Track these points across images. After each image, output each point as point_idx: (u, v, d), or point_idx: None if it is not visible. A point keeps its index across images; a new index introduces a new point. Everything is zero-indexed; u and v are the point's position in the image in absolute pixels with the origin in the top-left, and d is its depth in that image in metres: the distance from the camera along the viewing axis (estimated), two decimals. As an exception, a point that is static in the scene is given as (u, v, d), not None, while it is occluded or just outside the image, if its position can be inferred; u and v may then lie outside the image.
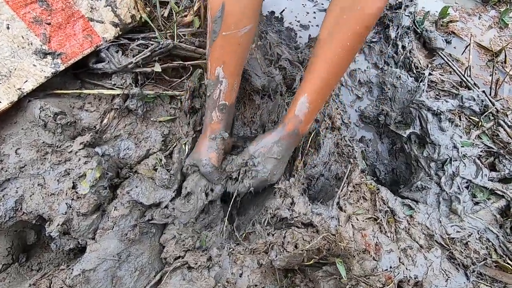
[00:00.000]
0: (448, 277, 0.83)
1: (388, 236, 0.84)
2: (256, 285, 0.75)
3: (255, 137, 0.85)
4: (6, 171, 0.73)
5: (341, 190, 0.88)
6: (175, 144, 0.94)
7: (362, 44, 0.69)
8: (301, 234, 0.76)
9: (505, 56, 1.37)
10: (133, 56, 0.97)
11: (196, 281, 0.72)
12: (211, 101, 0.80)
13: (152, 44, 1.01)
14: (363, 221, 0.83)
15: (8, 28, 0.79)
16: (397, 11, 1.38)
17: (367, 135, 1.29)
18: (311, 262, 0.77)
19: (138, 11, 1.06)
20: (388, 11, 1.40)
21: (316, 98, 0.75)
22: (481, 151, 1.06)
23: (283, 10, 1.43)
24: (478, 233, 0.91)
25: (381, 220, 0.86)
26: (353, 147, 1.07)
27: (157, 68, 0.96)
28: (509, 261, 0.85)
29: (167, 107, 0.96)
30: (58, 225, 0.68)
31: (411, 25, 1.37)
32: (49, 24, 0.87)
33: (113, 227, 0.73)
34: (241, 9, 0.67)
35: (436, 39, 1.34)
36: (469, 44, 1.37)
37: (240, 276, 0.75)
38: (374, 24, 0.67)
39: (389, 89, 1.28)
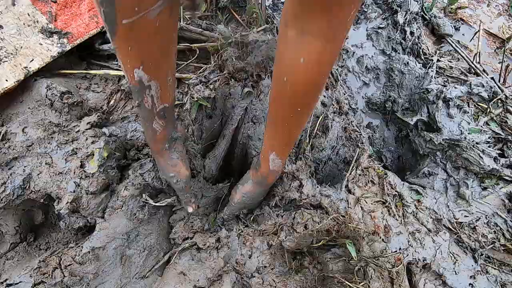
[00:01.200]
0: (456, 260, 0.83)
1: (396, 219, 0.83)
2: (265, 266, 0.75)
3: (236, 188, 0.80)
4: (14, 149, 0.72)
5: (350, 173, 0.87)
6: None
7: (316, 101, 0.59)
8: (311, 215, 0.75)
9: (514, 43, 1.36)
10: (140, 37, 0.95)
11: (205, 262, 0.72)
12: (145, 111, 0.60)
13: (158, 26, 0.99)
14: (372, 204, 0.83)
15: (14, 4, 0.78)
16: (405, -4, 1.35)
17: (374, 122, 1.28)
18: (320, 244, 0.77)
19: (144, -8, 1.04)
20: (397, -3, 1.38)
21: (286, 152, 0.71)
22: (489, 138, 1.05)
23: (290, -5, 1.40)
24: (486, 218, 0.91)
25: (389, 203, 0.86)
26: (360, 132, 1.06)
27: (164, 49, 0.94)
28: (517, 245, 0.85)
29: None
30: (67, 202, 0.68)
31: (419, 11, 1.35)
32: (55, 2, 0.86)
33: (122, 206, 0.73)
34: None
35: (445, 25, 1.32)
36: (478, 31, 1.35)
37: (250, 257, 0.75)
38: (324, 81, 0.55)
39: (396, 76, 1.27)
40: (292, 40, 0.47)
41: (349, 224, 0.75)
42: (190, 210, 0.75)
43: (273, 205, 0.81)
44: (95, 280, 0.65)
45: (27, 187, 0.70)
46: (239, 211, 0.82)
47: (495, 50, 1.36)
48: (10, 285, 0.60)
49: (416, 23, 1.33)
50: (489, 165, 0.97)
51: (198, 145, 0.88)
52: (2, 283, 0.61)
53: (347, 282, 0.72)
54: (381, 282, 0.72)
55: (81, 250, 0.65)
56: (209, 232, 0.78)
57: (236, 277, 0.70)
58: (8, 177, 0.70)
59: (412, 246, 0.81)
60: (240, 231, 0.77)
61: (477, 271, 0.83)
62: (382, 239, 0.77)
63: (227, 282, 0.67)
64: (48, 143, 0.75)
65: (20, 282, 0.61)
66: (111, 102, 0.88)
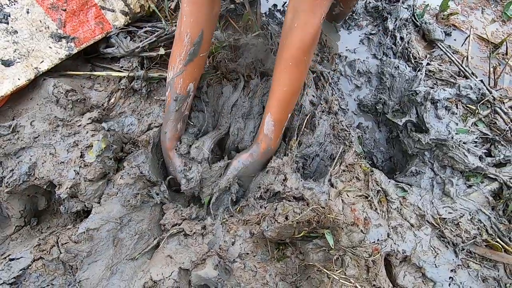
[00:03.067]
0: (437, 253, 0.84)
1: (378, 213, 0.86)
2: (247, 253, 0.79)
3: (235, 156, 0.92)
4: (22, 140, 0.80)
5: (333, 168, 0.91)
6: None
7: (304, 64, 0.80)
8: (292, 207, 0.79)
9: (507, 47, 1.38)
10: (140, 42, 1.04)
11: (190, 247, 0.77)
12: (178, 114, 0.87)
13: (158, 31, 1.08)
14: (353, 197, 0.86)
15: (28, 12, 0.87)
16: (395, 4, 1.41)
17: (365, 123, 1.32)
18: (301, 235, 0.81)
19: (147, 1, 1.14)
20: (387, 5, 1.43)
21: (279, 116, 0.85)
22: (476, 138, 1.07)
23: (285, 3, 1.48)
24: (469, 214, 0.92)
25: (372, 198, 0.89)
26: (349, 132, 1.10)
27: (161, 51, 1.02)
28: (499, 240, 0.86)
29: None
30: (66, 188, 0.75)
31: (409, 18, 1.40)
32: (64, 10, 0.95)
33: (117, 193, 0.79)
34: (209, 35, 0.83)
35: (435, 30, 1.36)
36: (469, 36, 1.38)
37: (233, 244, 0.79)
38: (310, 48, 0.77)
39: (387, 79, 1.31)
40: (291, 17, 0.75)
41: (328, 215, 0.79)
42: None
43: (258, 197, 0.85)
44: (88, 258, 0.71)
45: (32, 174, 0.78)
46: (233, 181, 0.88)
47: (488, 55, 1.38)
48: (12, 259, 0.67)
49: (406, 29, 1.38)
50: (473, 163, 0.99)
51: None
52: (5, 258, 0.68)
53: (325, 270, 0.75)
54: (357, 270, 0.75)
55: (77, 231, 0.71)
56: (197, 220, 0.83)
57: (219, 261, 0.74)
58: (16, 165, 0.77)
59: (392, 239, 0.83)
60: (224, 219, 0.82)
61: (458, 265, 0.84)
62: (361, 230, 0.80)
63: (210, 265, 0.72)
64: (53, 135, 0.82)
65: (21, 257, 0.68)
66: (112, 100, 0.96)
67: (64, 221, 0.84)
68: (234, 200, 0.88)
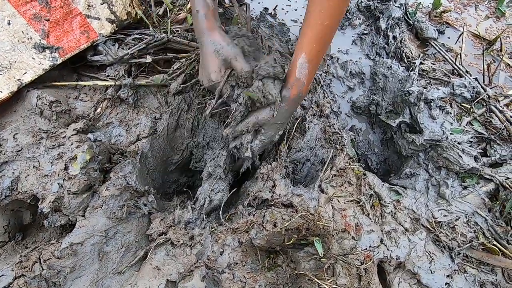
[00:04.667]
0: (432, 258, 0.82)
1: (370, 218, 0.84)
2: (236, 263, 0.77)
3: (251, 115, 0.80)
4: (5, 154, 0.78)
5: (324, 173, 0.89)
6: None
7: None
8: (280, 214, 0.77)
9: (501, 44, 1.36)
10: (129, 49, 1.03)
11: (178, 257, 0.75)
12: None
13: (147, 38, 1.06)
14: (344, 203, 0.84)
15: (9, 24, 0.86)
16: (387, 3, 1.39)
17: (359, 125, 1.30)
18: (291, 242, 0.79)
19: (134, 8, 1.12)
20: (379, 4, 1.41)
21: (315, 56, 0.72)
22: (471, 137, 1.05)
23: (276, 6, 1.47)
24: (466, 217, 0.90)
25: (363, 202, 0.87)
26: (342, 135, 1.08)
27: (148, 59, 1.01)
28: (496, 244, 0.84)
29: (157, 96, 1.01)
30: (49, 202, 0.73)
31: (401, 16, 1.38)
32: (48, 20, 0.94)
33: (102, 205, 0.78)
34: None
35: (428, 29, 1.34)
36: (462, 33, 1.36)
37: (221, 254, 0.77)
38: None
39: (380, 79, 1.29)
40: None
41: (318, 222, 0.77)
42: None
43: (247, 204, 0.84)
44: (72, 274, 0.69)
45: (14, 188, 0.76)
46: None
47: (482, 52, 1.36)
48: (-7, 277, 0.65)
49: (399, 28, 1.36)
50: (468, 164, 0.96)
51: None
52: (-14, 276, 0.66)
53: (316, 279, 0.73)
54: (348, 279, 0.72)
55: (60, 246, 0.69)
56: (182, 226, 0.81)
57: (207, 272, 0.72)
58: (-1, 179, 0.76)
59: (385, 245, 0.81)
60: (213, 229, 0.80)
61: (454, 270, 0.82)
62: (353, 237, 0.78)
63: (197, 277, 0.70)
64: (37, 148, 0.81)
65: (2, 275, 0.66)
66: (98, 110, 0.95)
67: (50, 235, 0.82)
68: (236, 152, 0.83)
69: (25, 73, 0.88)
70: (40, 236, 0.83)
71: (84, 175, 0.78)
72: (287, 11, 1.49)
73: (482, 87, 1.16)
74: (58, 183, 0.77)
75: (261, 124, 0.79)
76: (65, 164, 0.79)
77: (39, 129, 0.84)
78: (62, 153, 0.81)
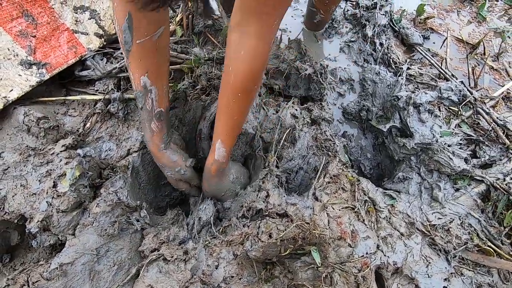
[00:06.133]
0: (429, 262, 0.82)
1: (365, 224, 0.84)
2: (232, 277, 0.76)
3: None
4: (-9, 173, 0.76)
5: (317, 181, 0.89)
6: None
7: (254, 91, 0.73)
8: (275, 224, 0.77)
9: (484, 48, 1.39)
10: (118, 63, 1.02)
11: (172, 274, 0.74)
12: (146, 113, 0.79)
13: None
14: (339, 210, 0.84)
15: (-6, 41, 0.85)
16: (372, 11, 1.42)
17: (351, 131, 1.30)
18: (287, 252, 0.78)
19: (121, 22, 1.12)
20: (365, 12, 1.44)
21: (230, 142, 0.80)
22: (461, 140, 1.07)
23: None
24: (459, 219, 0.91)
25: (358, 209, 0.87)
26: (334, 141, 1.08)
27: (137, 73, 1.00)
28: (491, 245, 0.84)
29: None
30: (37, 221, 0.71)
31: (387, 24, 1.41)
32: (34, 36, 0.93)
33: (93, 222, 0.76)
34: (148, 16, 0.66)
35: (413, 35, 1.37)
36: (446, 38, 1.39)
37: (216, 268, 0.76)
38: (260, 74, 0.71)
39: (369, 85, 1.31)
40: (236, 40, 0.65)
41: (313, 231, 0.76)
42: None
43: (241, 215, 0.83)
44: (62, 296, 0.67)
45: (1, 208, 0.74)
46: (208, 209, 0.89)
47: (466, 56, 1.39)
48: (-21, 303, 0.63)
49: (385, 35, 1.39)
50: (459, 166, 0.97)
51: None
52: (-29, 302, 0.64)
53: (313, 289, 0.72)
54: (347, 287, 0.72)
55: (49, 267, 0.67)
56: (176, 243, 0.79)
57: (202, 288, 0.71)
58: (-16, 200, 0.74)
59: (382, 250, 0.81)
60: (207, 242, 0.79)
61: (451, 273, 0.82)
62: (349, 244, 0.78)
63: (192, 293, 0.68)
64: (24, 166, 0.79)
65: (-12, 300, 0.63)
66: (87, 125, 0.93)
67: (39, 255, 0.80)
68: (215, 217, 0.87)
69: (11, 90, 0.87)
70: (28, 257, 0.80)
71: (74, 192, 0.77)
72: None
73: (468, 90, 1.18)
74: (46, 201, 0.75)
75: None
76: (54, 182, 0.77)
77: (27, 146, 0.83)
78: (51, 170, 0.79)
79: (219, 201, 0.93)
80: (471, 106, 1.15)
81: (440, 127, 1.11)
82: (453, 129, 1.10)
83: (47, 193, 0.76)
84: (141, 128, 0.94)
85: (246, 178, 0.96)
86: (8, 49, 0.87)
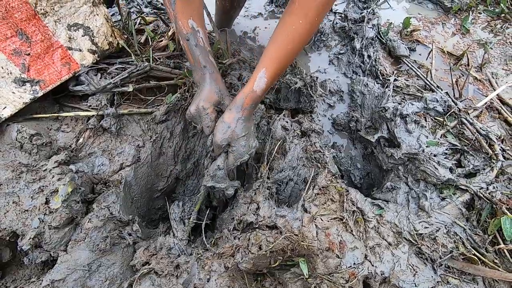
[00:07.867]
0: (416, 272, 0.84)
1: (353, 234, 0.86)
2: (224, 289, 0.77)
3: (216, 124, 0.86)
4: (-17, 190, 0.77)
5: (306, 193, 0.91)
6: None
7: (320, 18, 0.73)
8: (265, 236, 0.78)
9: (468, 59, 1.44)
10: (112, 78, 1.04)
11: (164, 288, 0.75)
12: (199, 49, 0.85)
13: (129, 67, 1.09)
14: (327, 221, 0.86)
15: (-12, 60, 0.87)
16: (360, 24, 1.47)
17: (341, 142, 1.33)
18: (277, 264, 0.79)
19: (115, 38, 1.15)
20: (353, 25, 1.49)
21: (274, 73, 0.78)
22: (446, 149, 1.10)
23: (255, 29, 1.52)
24: (445, 228, 0.93)
25: (346, 219, 0.89)
26: (324, 153, 1.11)
27: (130, 88, 1.03)
28: (475, 253, 0.87)
29: (140, 123, 1.02)
30: (29, 238, 0.72)
31: (375, 36, 1.45)
32: (28, 54, 0.95)
33: (85, 238, 0.77)
34: None
35: (399, 47, 1.41)
36: (431, 50, 1.44)
37: (208, 281, 0.77)
38: (327, 7, 0.71)
39: (358, 97, 1.34)
40: None
41: (302, 243, 0.78)
42: None
43: (232, 228, 0.84)
44: (53, 313, 0.67)
45: (-7, 225, 0.75)
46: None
47: (451, 67, 1.44)
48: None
49: (373, 47, 1.43)
50: (444, 176, 1.00)
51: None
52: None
53: (303, 301, 0.74)
54: (334, 298, 0.73)
55: (40, 284, 0.68)
56: (166, 253, 0.80)
57: (193, 302, 0.72)
58: (-23, 217, 0.74)
59: (369, 261, 0.83)
60: (199, 255, 0.80)
61: (437, 282, 0.84)
62: (337, 255, 0.79)
63: (183, 308, 0.69)
64: (16, 183, 0.80)
65: (-21, 319, 0.64)
66: (80, 140, 0.95)
67: (31, 272, 0.80)
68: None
69: (5, 107, 0.88)
70: (20, 273, 0.80)
71: (66, 208, 0.78)
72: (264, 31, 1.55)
73: (453, 100, 1.22)
74: (38, 218, 0.76)
75: (229, 142, 0.84)
76: (46, 198, 0.79)
77: (19, 163, 0.84)
78: (43, 186, 0.80)
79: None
80: (456, 116, 1.19)
81: (427, 137, 1.14)
82: (438, 139, 1.13)
83: (39, 209, 0.77)
84: (138, 136, 0.95)
85: (256, 146, 0.90)
86: (2, 67, 0.89)
